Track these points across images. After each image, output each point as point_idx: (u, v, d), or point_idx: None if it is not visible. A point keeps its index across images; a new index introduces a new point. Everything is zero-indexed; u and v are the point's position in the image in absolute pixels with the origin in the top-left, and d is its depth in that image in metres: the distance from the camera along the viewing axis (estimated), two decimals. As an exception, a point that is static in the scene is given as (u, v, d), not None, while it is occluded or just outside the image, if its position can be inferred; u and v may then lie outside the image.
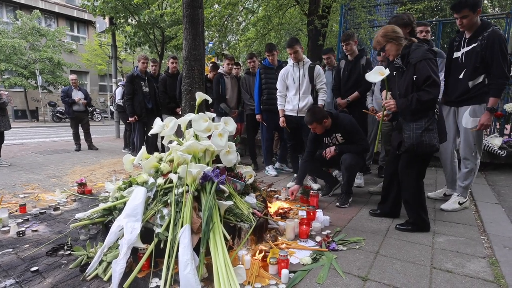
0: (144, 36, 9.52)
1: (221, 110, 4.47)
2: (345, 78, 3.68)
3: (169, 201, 1.86)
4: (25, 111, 16.39)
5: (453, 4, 2.56)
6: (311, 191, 2.87)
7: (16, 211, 2.72)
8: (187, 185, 1.87)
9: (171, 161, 2.20)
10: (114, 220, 1.84)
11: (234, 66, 4.85)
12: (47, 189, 3.51)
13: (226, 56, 4.78)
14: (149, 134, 2.37)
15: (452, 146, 2.84)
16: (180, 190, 1.86)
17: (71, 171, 4.43)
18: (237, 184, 2.18)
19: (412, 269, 1.80)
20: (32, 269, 1.76)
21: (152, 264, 1.65)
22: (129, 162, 2.27)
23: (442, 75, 2.91)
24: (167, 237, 1.69)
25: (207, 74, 4.75)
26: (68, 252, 1.95)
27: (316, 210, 2.55)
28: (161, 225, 1.76)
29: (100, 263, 1.72)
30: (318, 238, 2.17)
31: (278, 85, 3.71)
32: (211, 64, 5.12)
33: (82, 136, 6.48)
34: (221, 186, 1.94)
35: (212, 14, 6.73)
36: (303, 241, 2.14)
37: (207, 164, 2.10)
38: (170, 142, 2.31)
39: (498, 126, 4.85)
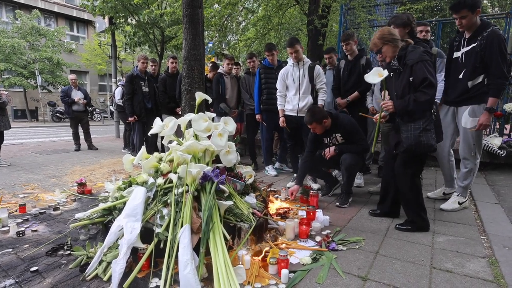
0: (144, 36, 9.52)
1: (221, 110, 4.46)
2: (345, 78, 3.68)
3: (169, 201, 1.86)
4: (24, 111, 16.38)
5: (451, 4, 2.56)
6: (311, 191, 2.88)
7: (16, 211, 2.72)
8: (187, 185, 1.87)
9: (171, 161, 2.20)
10: (114, 220, 1.84)
11: (234, 66, 4.85)
12: (47, 189, 3.51)
13: (226, 56, 4.78)
14: (149, 134, 2.37)
15: (449, 145, 2.85)
16: (180, 190, 1.86)
17: (71, 171, 4.43)
18: (237, 184, 2.18)
19: (412, 269, 1.80)
20: (32, 269, 1.76)
21: (152, 264, 1.65)
22: (129, 162, 2.27)
23: (442, 75, 2.92)
24: (167, 237, 1.69)
25: (207, 74, 4.75)
26: (68, 252, 1.95)
27: (316, 210, 2.56)
28: (161, 225, 1.76)
29: (100, 263, 1.72)
30: (318, 238, 2.17)
31: (278, 85, 3.71)
32: (211, 64, 5.11)
33: (81, 136, 6.48)
34: (221, 186, 1.94)
35: (212, 14, 6.73)
36: (303, 241, 2.14)
37: (207, 164, 2.10)
38: (170, 142, 2.31)
39: (497, 126, 4.85)
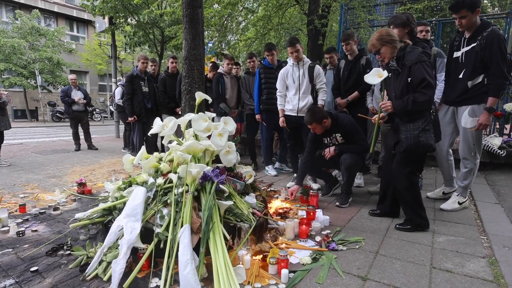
0: (144, 35, 9.51)
1: (221, 110, 4.46)
2: (345, 78, 3.68)
3: (169, 201, 1.86)
4: (24, 111, 16.38)
5: (451, 4, 2.56)
6: (311, 191, 2.88)
7: (16, 211, 2.72)
8: (187, 185, 1.87)
9: (171, 161, 2.20)
10: (114, 220, 1.84)
11: (234, 66, 4.85)
12: (47, 189, 3.51)
13: (226, 56, 4.78)
14: (148, 134, 2.37)
15: (448, 144, 2.85)
16: (180, 190, 1.86)
17: (71, 171, 4.43)
18: (237, 184, 2.18)
19: (412, 268, 1.80)
20: (32, 269, 1.76)
21: (152, 264, 1.65)
22: (129, 162, 2.27)
23: (442, 75, 2.92)
24: (167, 237, 1.69)
25: (206, 74, 4.75)
26: (68, 252, 1.95)
27: (316, 210, 2.56)
28: (161, 225, 1.76)
29: (100, 263, 1.72)
30: (318, 238, 2.17)
31: (278, 85, 3.71)
32: (210, 64, 5.11)
33: (81, 136, 6.48)
34: (221, 186, 1.94)
35: (212, 13, 6.73)
36: (303, 241, 2.14)
37: (207, 164, 2.10)
38: (170, 142, 2.31)
39: (497, 126, 4.85)
